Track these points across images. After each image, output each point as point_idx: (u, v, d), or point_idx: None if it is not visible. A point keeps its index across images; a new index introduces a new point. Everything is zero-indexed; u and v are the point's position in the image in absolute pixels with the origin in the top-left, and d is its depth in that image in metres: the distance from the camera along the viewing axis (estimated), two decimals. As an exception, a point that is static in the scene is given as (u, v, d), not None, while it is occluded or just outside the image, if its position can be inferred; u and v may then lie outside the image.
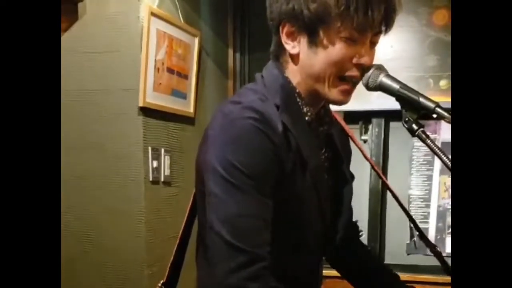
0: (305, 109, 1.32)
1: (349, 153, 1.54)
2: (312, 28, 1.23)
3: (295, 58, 1.29)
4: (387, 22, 1.25)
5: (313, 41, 1.24)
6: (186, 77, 3.00)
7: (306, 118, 1.32)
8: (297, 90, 1.31)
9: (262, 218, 1.19)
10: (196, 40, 3.05)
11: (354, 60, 1.25)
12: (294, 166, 1.26)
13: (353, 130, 3.37)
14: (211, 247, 1.21)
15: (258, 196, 1.18)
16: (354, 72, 1.26)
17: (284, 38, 1.28)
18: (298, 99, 1.31)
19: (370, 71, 1.27)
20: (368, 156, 1.56)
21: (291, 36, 1.27)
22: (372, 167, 1.59)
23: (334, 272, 1.66)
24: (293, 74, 1.31)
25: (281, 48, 1.31)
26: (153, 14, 2.62)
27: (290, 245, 1.31)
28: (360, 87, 1.30)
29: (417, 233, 1.63)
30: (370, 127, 3.37)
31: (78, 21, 2.61)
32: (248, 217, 1.17)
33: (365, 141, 3.39)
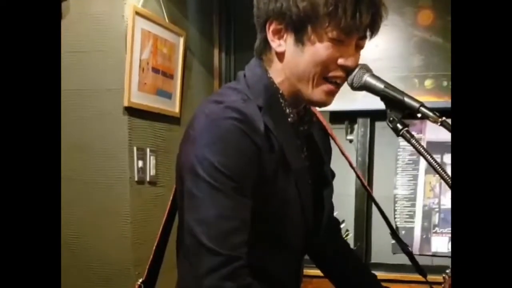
0: (287, 110, 1.32)
1: (329, 150, 1.54)
2: (299, 27, 1.23)
3: (280, 56, 1.29)
4: (374, 27, 1.25)
5: (300, 40, 1.24)
6: (171, 76, 2.99)
7: (289, 119, 1.32)
8: (281, 91, 1.31)
9: (240, 219, 1.19)
10: (181, 40, 3.04)
11: (339, 62, 1.25)
12: (277, 167, 1.25)
13: (338, 130, 3.44)
14: (188, 248, 1.20)
15: (238, 197, 1.18)
16: (338, 73, 1.26)
17: (270, 36, 1.27)
18: (281, 100, 1.31)
19: (355, 71, 1.27)
20: (346, 153, 1.56)
21: (278, 34, 1.27)
22: (350, 164, 1.58)
23: (306, 271, 1.66)
24: (277, 72, 1.30)
25: (266, 45, 1.30)
26: (137, 13, 2.61)
27: (272, 244, 1.30)
28: (345, 86, 1.30)
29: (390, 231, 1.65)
30: (355, 127, 3.38)
31: (62, 20, 2.59)
32: (226, 218, 1.17)
33: (350, 141, 3.40)
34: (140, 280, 1.49)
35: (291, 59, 1.27)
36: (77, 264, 2.68)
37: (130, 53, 2.58)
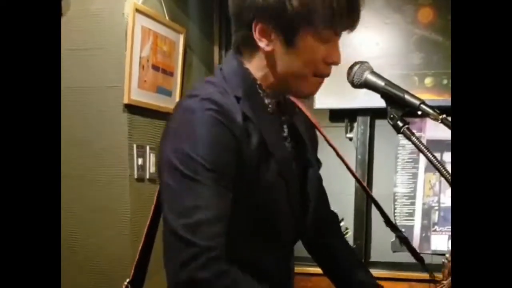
0: (266, 101, 1.32)
1: (315, 141, 1.53)
2: (290, 28, 1.23)
3: (266, 54, 1.28)
4: (358, 22, 1.28)
5: (290, 40, 1.24)
6: (171, 74, 2.99)
7: (268, 109, 1.32)
8: (258, 82, 1.30)
9: (217, 209, 1.17)
10: (181, 37, 3.04)
11: (329, 60, 1.27)
12: (259, 157, 1.25)
13: (338, 128, 3.44)
14: (165, 242, 1.19)
15: (215, 187, 1.17)
16: (327, 70, 1.28)
17: (257, 35, 1.26)
18: (259, 91, 1.31)
19: (355, 68, 1.27)
20: (334, 144, 1.55)
21: (264, 33, 1.25)
22: (337, 154, 1.57)
23: (307, 269, 1.66)
24: (258, 67, 1.30)
25: (249, 42, 1.28)
26: (138, 10, 2.61)
27: (259, 235, 1.29)
28: (345, 84, 1.30)
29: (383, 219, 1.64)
30: (355, 125, 3.38)
31: (62, 17, 2.58)
32: (202, 209, 1.15)
33: (350, 139, 3.40)
34: (127, 280, 1.48)
35: (279, 58, 1.27)
36: (76, 261, 2.68)
37: (130, 50, 2.58)
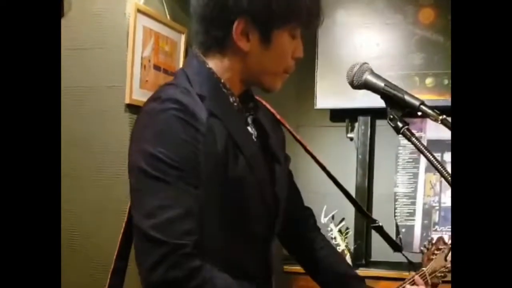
0: (231, 99, 1.33)
1: (281, 136, 1.53)
2: (270, 27, 1.26)
3: (242, 54, 1.29)
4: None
5: (267, 39, 1.27)
6: (173, 74, 2.98)
7: (234, 106, 1.33)
8: (222, 81, 1.31)
9: (185, 207, 1.16)
10: (183, 37, 3.04)
11: (296, 55, 1.33)
12: (227, 153, 1.25)
13: (339, 128, 3.44)
14: (136, 245, 1.19)
15: (182, 186, 1.17)
16: (293, 65, 1.34)
17: (237, 36, 1.27)
18: (223, 89, 1.32)
19: (355, 69, 1.28)
20: (301, 139, 1.56)
21: (244, 33, 1.27)
22: (305, 149, 1.58)
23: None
24: (227, 68, 1.31)
25: (221, 43, 1.29)
26: (139, 11, 2.61)
27: (234, 232, 1.29)
28: (346, 84, 1.31)
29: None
30: (356, 125, 3.38)
31: (63, 17, 2.59)
32: (169, 208, 1.15)
33: (351, 139, 3.40)
34: None
35: (254, 57, 1.29)
36: (77, 262, 2.68)
37: (132, 50, 2.58)
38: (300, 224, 1.62)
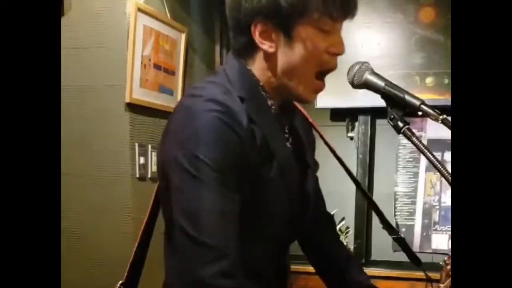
0: (269, 102, 1.31)
1: (312, 142, 1.53)
2: (288, 23, 1.23)
3: (269, 57, 1.27)
4: (356, 8, 1.27)
5: (289, 36, 1.24)
6: (173, 73, 2.99)
7: (272, 110, 1.32)
8: (261, 83, 1.30)
9: (227, 212, 1.17)
10: (183, 36, 3.04)
11: (332, 50, 1.26)
12: (261, 158, 1.24)
13: (339, 128, 3.43)
14: (178, 243, 1.19)
15: (223, 190, 1.16)
16: (332, 62, 1.28)
17: (258, 39, 1.25)
18: (262, 92, 1.30)
19: (356, 68, 1.27)
20: (332, 145, 1.55)
21: (265, 34, 1.25)
22: (334, 155, 1.57)
23: (308, 268, 1.65)
24: (261, 70, 1.30)
25: (250, 47, 1.28)
26: (139, 9, 2.61)
27: (255, 237, 1.28)
28: (346, 84, 1.31)
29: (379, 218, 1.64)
30: (356, 124, 3.38)
31: (64, 16, 2.59)
32: (212, 212, 1.15)
33: (351, 138, 3.40)
34: (120, 282, 1.47)
35: (281, 58, 1.26)
36: (78, 261, 2.68)
37: (132, 49, 2.58)
38: (319, 229, 1.60)
